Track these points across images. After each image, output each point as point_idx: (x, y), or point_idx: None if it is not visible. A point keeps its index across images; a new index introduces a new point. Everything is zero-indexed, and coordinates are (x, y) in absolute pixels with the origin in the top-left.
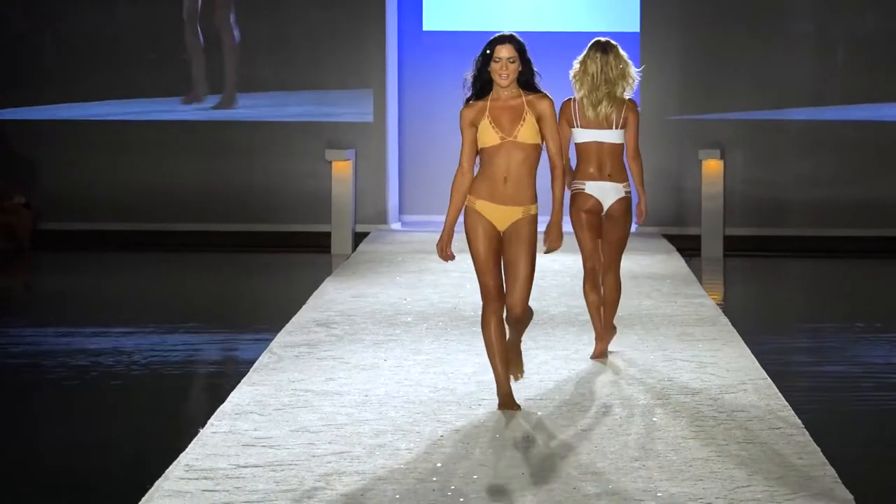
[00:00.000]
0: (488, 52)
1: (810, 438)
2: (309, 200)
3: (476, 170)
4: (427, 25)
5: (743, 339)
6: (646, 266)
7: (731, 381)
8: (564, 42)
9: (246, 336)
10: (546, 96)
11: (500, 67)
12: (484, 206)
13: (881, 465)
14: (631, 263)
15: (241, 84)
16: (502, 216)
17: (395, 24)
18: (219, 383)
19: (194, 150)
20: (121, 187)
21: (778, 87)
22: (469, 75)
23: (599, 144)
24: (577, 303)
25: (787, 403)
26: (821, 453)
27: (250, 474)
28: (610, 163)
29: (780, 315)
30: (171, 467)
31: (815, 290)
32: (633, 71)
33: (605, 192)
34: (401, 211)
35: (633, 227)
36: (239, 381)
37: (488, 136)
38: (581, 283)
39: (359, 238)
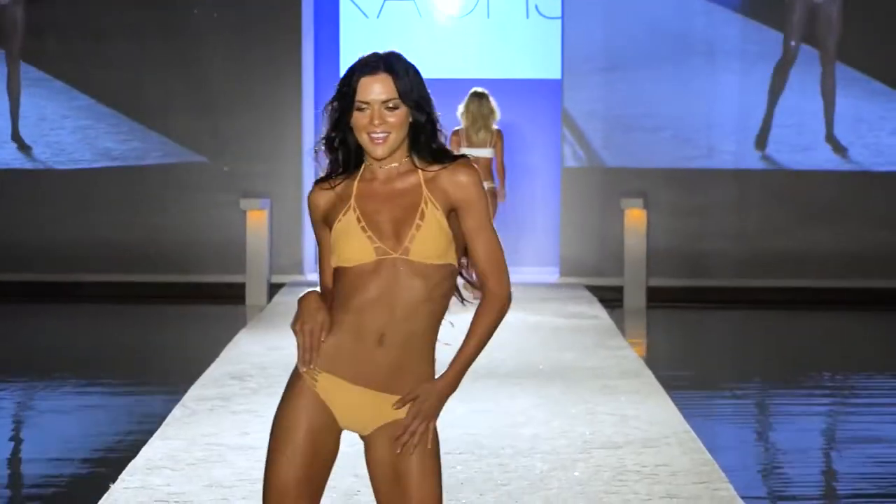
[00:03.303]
0: (345, 88)
1: (735, 493)
2: (222, 250)
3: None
4: (345, 72)
5: (666, 391)
6: (567, 317)
7: (654, 435)
8: (487, 88)
9: (158, 389)
10: (466, 164)
11: (370, 119)
12: (331, 388)
13: None
14: (552, 315)
15: (154, 129)
16: (363, 411)
17: (311, 72)
18: (130, 437)
19: (100, 198)
20: (24, 237)
21: (702, 135)
22: (321, 137)
23: (477, 159)
24: (497, 354)
25: (710, 457)
26: None
27: None
28: (483, 169)
29: (704, 367)
30: None
31: (739, 341)
32: (497, 111)
33: None
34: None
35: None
36: (151, 436)
37: (353, 245)
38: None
39: (274, 289)
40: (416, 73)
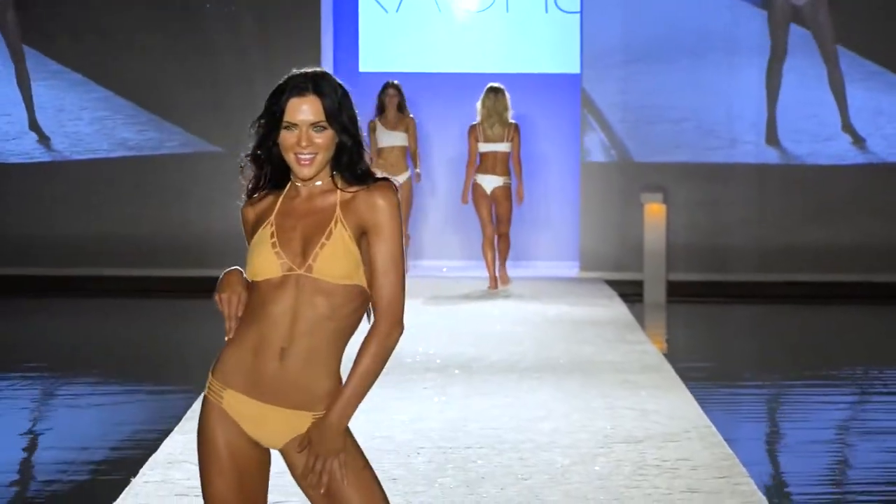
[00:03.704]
0: (273, 107)
1: (755, 487)
2: (237, 243)
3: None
4: (363, 66)
5: (686, 386)
6: (587, 312)
7: (674, 430)
8: (504, 84)
9: (177, 383)
10: (385, 188)
11: (298, 140)
12: (234, 403)
13: None
14: (572, 309)
15: (177, 124)
16: (268, 426)
17: (330, 66)
18: (150, 432)
19: (124, 191)
20: (46, 230)
21: (722, 129)
22: (246, 154)
23: (495, 153)
24: (517, 349)
25: (731, 452)
26: (766, 502)
27: None
28: (500, 164)
29: (724, 361)
30: None
31: (759, 335)
32: (510, 107)
33: (488, 182)
34: None
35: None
36: (171, 430)
37: (261, 259)
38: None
39: None
40: (345, 93)
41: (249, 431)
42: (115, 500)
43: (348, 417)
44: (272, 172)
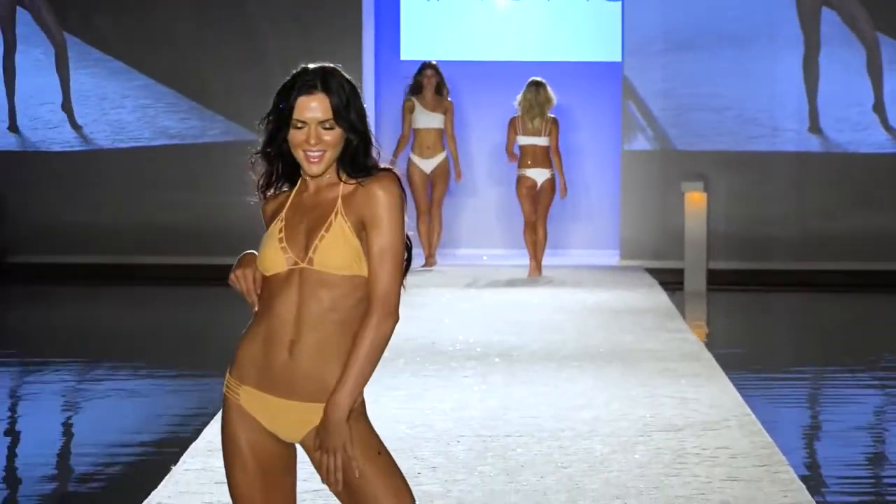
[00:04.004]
0: (282, 105)
1: (795, 476)
2: None
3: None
4: (405, 55)
5: (727, 374)
6: (627, 300)
7: (714, 418)
8: (544, 73)
9: (217, 371)
10: (386, 179)
11: (307, 137)
12: (250, 399)
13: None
14: (612, 297)
15: (219, 112)
16: (283, 419)
17: (371, 54)
18: (191, 420)
19: (163, 180)
20: (89, 219)
21: (763, 118)
22: (255, 150)
23: (533, 146)
24: (557, 337)
25: (771, 440)
26: (806, 491)
27: None
28: (541, 157)
29: (764, 350)
30: None
31: (799, 324)
32: (554, 98)
33: (538, 175)
34: None
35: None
36: (211, 418)
37: (269, 254)
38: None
39: None
40: (353, 89)
41: (268, 426)
42: (155, 487)
43: (348, 407)
44: (284, 168)
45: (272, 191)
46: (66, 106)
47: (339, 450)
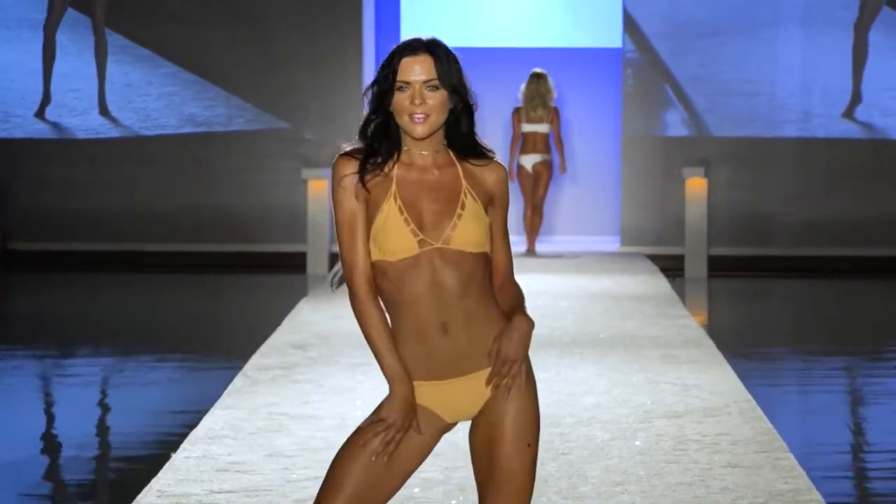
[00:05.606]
0: (386, 69)
1: (796, 462)
2: (284, 220)
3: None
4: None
5: (727, 361)
6: (628, 286)
7: (715, 404)
8: (545, 59)
9: (219, 358)
10: (502, 166)
11: (411, 99)
12: (427, 395)
13: (868, 494)
14: (613, 283)
15: (246, 100)
16: (460, 400)
17: (372, 39)
18: (192, 407)
19: (166, 167)
20: (91, 206)
21: (764, 103)
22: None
23: (535, 133)
24: (559, 324)
25: (771, 426)
26: (807, 477)
27: (224, 500)
28: (540, 143)
29: (766, 337)
30: (142, 493)
31: (800, 310)
32: (554, 90)
33: (533, 159)
34: None
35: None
36: (212, 405)
37: (398, 239)
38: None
39: (335, 258)
40: (456, 60)
41: (448, 416)
42: (154, 475)
43: (532, 322)
44: (385, 140)
45: (365, 165)
46: (101, 94)
47: (522, 359)
